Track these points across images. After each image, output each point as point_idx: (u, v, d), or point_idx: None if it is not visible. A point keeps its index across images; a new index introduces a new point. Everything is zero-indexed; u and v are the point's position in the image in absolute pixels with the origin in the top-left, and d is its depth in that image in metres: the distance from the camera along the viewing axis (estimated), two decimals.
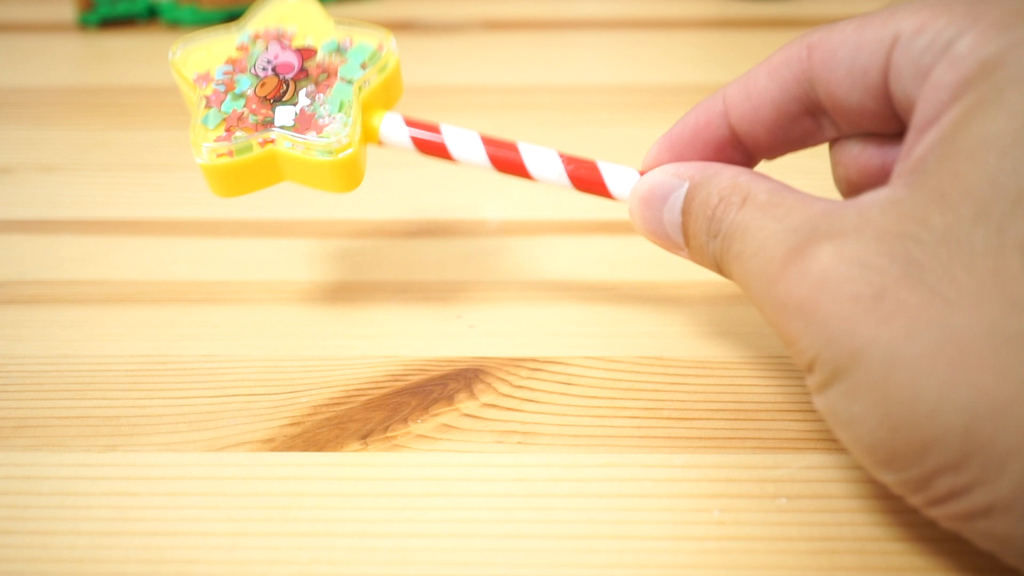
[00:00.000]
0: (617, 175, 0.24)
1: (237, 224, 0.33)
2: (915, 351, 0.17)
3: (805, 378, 0.19)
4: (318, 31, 0.26)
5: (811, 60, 0.21)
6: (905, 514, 0.21)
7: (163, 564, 0.21)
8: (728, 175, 0.21)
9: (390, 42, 0.25)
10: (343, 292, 0.29)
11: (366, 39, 0.25)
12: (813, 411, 0.24)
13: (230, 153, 0.24)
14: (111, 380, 0.26)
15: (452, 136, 0.24)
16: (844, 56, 0.20)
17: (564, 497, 0.22)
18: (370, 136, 0.25)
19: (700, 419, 0.24)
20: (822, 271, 0.18)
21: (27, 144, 0.38)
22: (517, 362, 0.26)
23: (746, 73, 0.22)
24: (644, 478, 0.23)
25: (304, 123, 0.24)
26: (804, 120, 0.22)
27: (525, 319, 0.28)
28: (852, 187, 0.22)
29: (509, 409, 0.25)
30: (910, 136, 0.19)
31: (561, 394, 0.25)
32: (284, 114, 0.24)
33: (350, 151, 0.23)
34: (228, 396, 0.25)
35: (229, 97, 0.24)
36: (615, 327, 0.28)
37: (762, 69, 0.22)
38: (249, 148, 0.24)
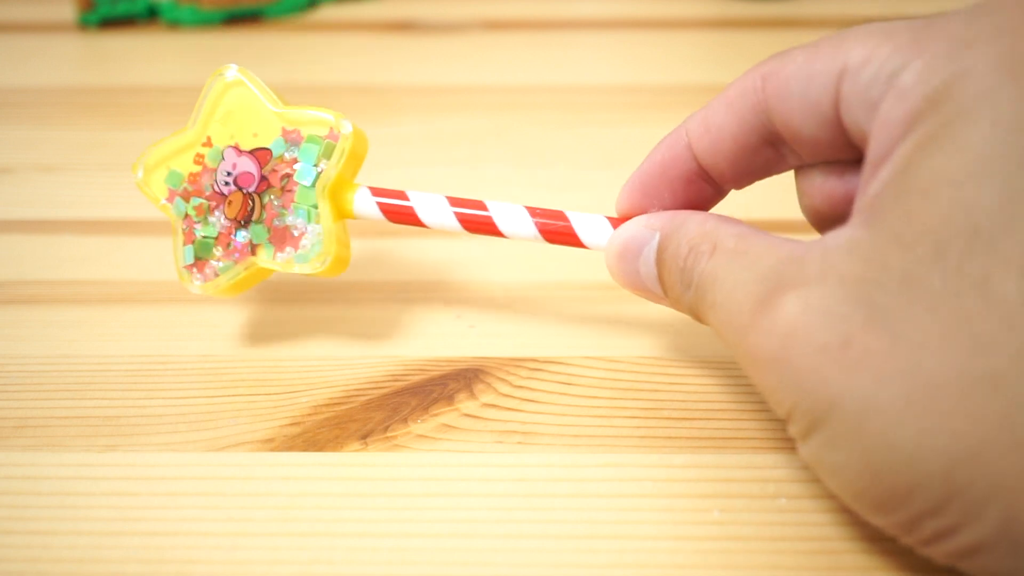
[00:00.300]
0: (588, 226, 0.24)
1: None
2: (887, 398, 0.17)
3: (787, 428, 0.19)
4: (266, 123, 0.25)
5: (765, 91, 0.20)
6: None
7: (163, 564, 0.21)
8: (695, 224, 0.21)
9: (341, 126, 0.24)
10: (343, 292, 0.29)
11: (314, 128, 0.24)
12: None
13: (215, 278, 0.25)
14: (111, 380, 0.26)
15: (421, 204, 0.25)
16: (796, 88, 0.20)
17: (564, 497, 0.22)
18: (345, 214, 0.25)
19: (700, 419, 0.24)
20: (788, 323, 0.18)
21: (27, 144, 0.38)
22: (517, 362, 0.26)
23: (706, 106, 0.22)
24: (644, 478, 0.23)
25: (279, 238, 0.25)
26: (765, 150, 0.22)
27: (525, 319, 0.28)
28: (819, 216, 0.22)
29: (509, 409, 0.25)
30: (865, 171, 0.19)
31: (561, 394, 0.25)
32: (261, 251, 0.25)
33: (329, 260, 0.24)
34: (228, 396, 0.25)
35: (200, 228, 0.25)
36: (615, 327, 0.28)
37: (720, 101, 0.22)
38: (233, 272, 0.25)
